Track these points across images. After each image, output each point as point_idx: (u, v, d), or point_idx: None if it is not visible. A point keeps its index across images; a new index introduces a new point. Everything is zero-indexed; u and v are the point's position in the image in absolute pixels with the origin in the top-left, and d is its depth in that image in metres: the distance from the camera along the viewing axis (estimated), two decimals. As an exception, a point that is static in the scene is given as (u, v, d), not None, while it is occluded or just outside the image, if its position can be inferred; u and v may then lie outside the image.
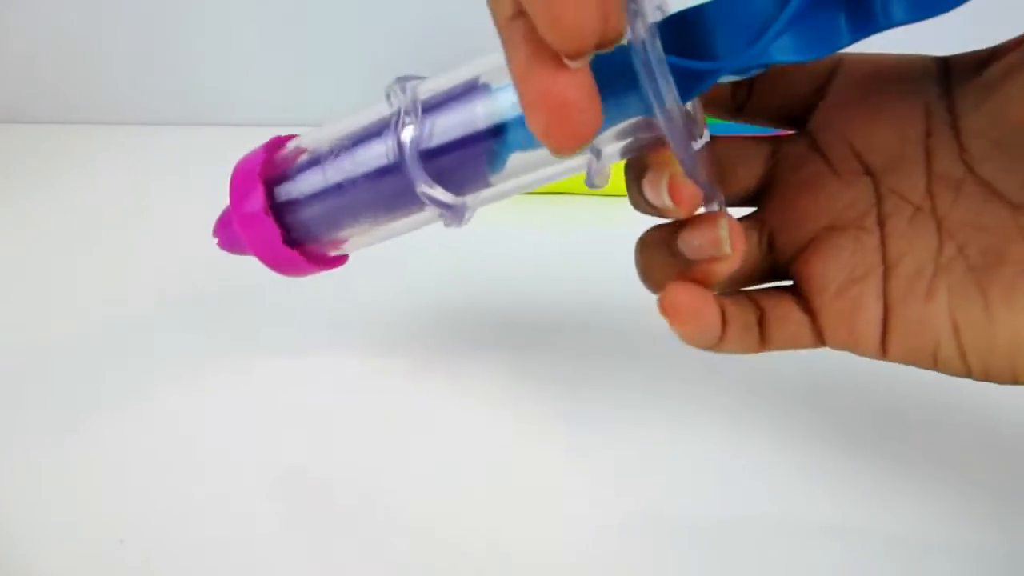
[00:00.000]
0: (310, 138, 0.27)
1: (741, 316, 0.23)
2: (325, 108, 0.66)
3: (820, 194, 0.24)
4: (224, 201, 0.27)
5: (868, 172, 0.23)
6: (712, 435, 0.29)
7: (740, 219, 0.24)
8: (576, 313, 0.36)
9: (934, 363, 0.22)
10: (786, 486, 0.27)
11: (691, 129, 0.20)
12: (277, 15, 0.63)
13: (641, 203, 0.23)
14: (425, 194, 0.24)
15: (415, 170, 0.24)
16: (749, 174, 0.25)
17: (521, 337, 0.34)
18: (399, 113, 0.24)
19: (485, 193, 0.25)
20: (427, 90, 0.25)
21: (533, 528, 0.25)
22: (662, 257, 0.24)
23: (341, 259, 0.29)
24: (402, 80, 0.25)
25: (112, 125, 0.64)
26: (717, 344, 0.23)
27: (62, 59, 0.63)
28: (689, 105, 0.22)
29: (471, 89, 0.23)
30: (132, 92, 0.64)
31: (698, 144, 0.21)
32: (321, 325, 0.35)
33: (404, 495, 0.26)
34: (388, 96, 0.25)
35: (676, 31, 0.20)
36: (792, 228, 0.24)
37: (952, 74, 0.22)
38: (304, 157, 0.27)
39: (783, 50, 0.19)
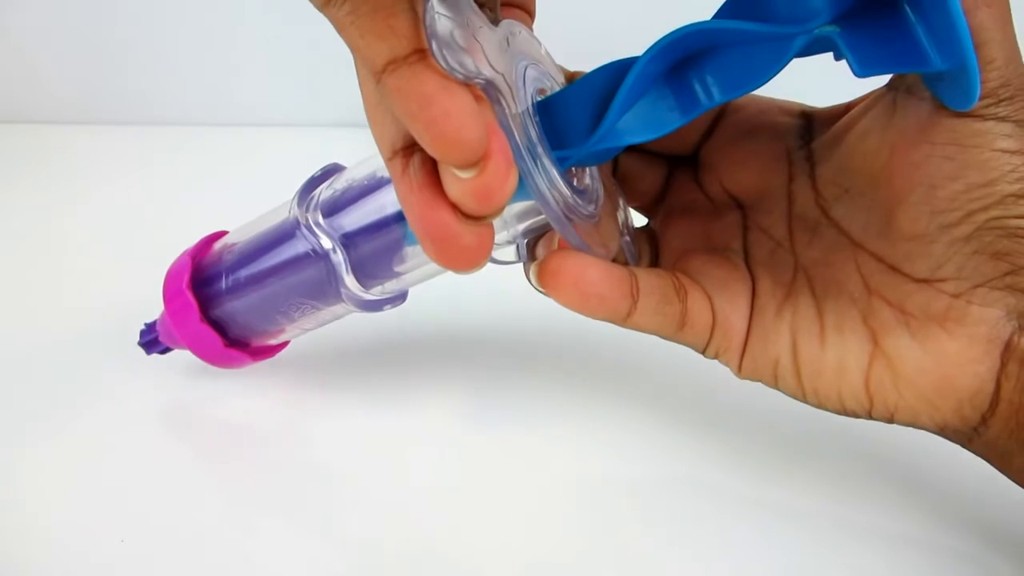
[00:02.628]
0: (234, 238, 0.29)
1: (659, 288, 0.23)
2: (325, 108, 0.66)
3: (697, 217, 0.26)
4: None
5: (738, 206, 0.26)
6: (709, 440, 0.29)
7: (637, 229, 0.27)
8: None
9: (774, 380, 0.24)
10: (786, 485, 0.27)
11: (574, 205, 0.21)
12: (277, 16, 0.63)
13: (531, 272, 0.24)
14: (345, 288, 0.25)
15: (338, 263, 0.25)
16: (647, 189, 0.27)
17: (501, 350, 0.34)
18: (308, 212, 0.26)
19: (394, 282, 0.26)
20: (332, 189, 0.26)
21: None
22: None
23: (282, 345, 0.31)
24: (307, 187, 0.27)
25: (112, 125, 0.64)
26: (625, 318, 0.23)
27: (62, 59, 0.63)
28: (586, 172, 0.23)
29: (373, 184, 0.25)
30: (132, 92, 0.64)
31: (589, 210, 0.22)
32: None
33: (401, 500, 0.26)
34: (293, 202, 0.27)
35: (544, 116, 0.21)
36: (674, 242, 0.26)
37: (813, 125, 0.24)
38: (226, 258, 0.28)
39: (631, 132, 0.21)
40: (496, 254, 0.24)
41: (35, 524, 0.24)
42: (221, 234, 0.30)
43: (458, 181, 0.17)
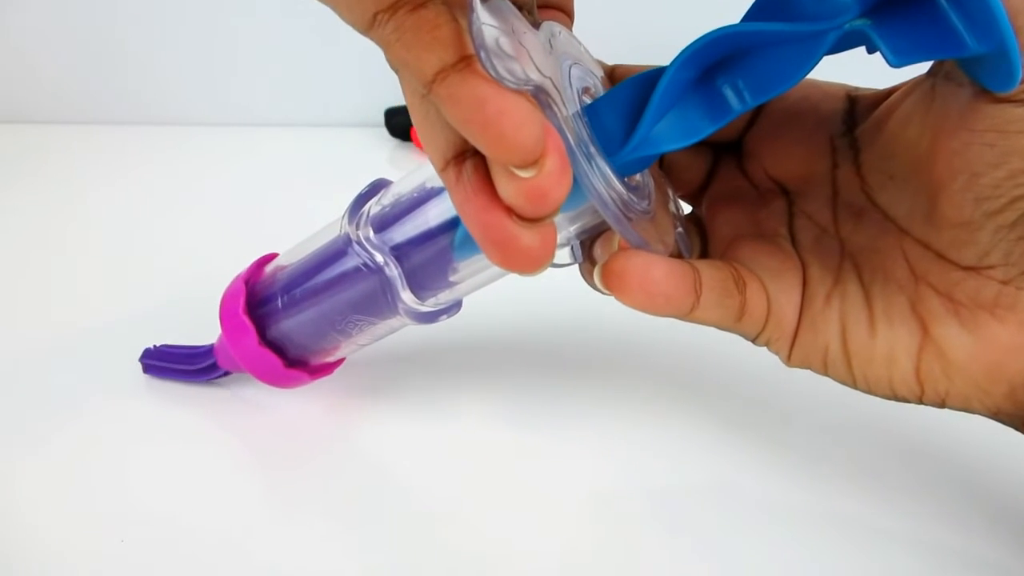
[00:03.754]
0: (285, 260, 0.29)
1: (720, 282, 0.23)
2: (325, 108, 0.67)
3: (742, 204, 0.26)
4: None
5: (783, 192, 0.25)
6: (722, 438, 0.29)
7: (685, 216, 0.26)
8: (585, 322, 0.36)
9: (824, 367, 0.24)
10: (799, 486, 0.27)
11: (630, 202, 0.21)
12: (277, 16, 0.63)
13: (588, 272, 0.24)
14: (401, 301, 0.26)
15: (395, 279, 0.25)
16: (691, 178, 0.27)
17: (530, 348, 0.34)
18: (359, 229, 0.26)
19: (448, 292, 0.26)
20: (381, 204, 0.26)
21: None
22: None
23: (339, 362, 0.31)
24: (356, 204, 0.27)
25: (112, 125, 0.64)
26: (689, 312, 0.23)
27: (62, 59, 0.63)
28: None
29: (422, 196, 0.25)
30: (132, 92, 0.64)
31: (643, 206, 0.22)
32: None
33: (436, 505, 0.26)
34: (344, 219, 0.27)
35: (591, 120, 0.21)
36: (722, 230, 0.26)
37: (857, 110, 0.24)
38: (280, 279, 0.28)
39: (664, 140, 0.21)
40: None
41: (35, 524, 0.24)
42: (271, 256, 0.30)
43: (512, 183, 0.17)
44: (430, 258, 0.25)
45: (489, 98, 0.16)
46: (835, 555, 0.24)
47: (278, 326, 0.28)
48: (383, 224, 0.25)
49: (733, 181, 0.26)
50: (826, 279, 0.24)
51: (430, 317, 0.27)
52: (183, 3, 0.62)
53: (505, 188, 0.17)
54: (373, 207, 0.26)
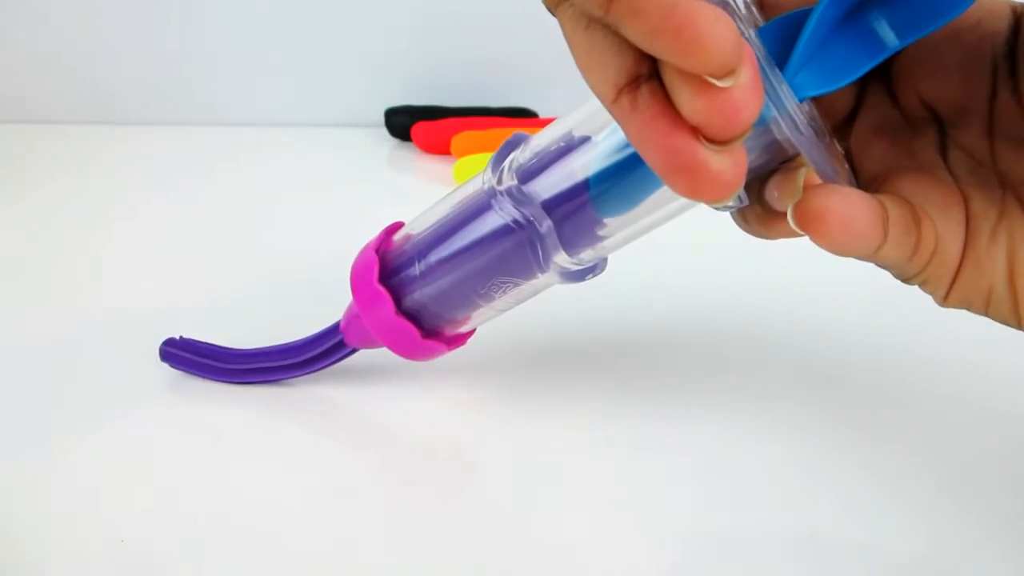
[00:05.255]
0: (417, 225, 0.28)
1: (902, 218, 0.22)
2: (325, 108, 0.67)
3: (894, 135, 0.24)
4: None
5: (935, 120, 0.23)
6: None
7: None
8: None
9: (985, 307, 0.22)
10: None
11: (815, 131, 0.20)
12: (277, 16, 0.63)
13: (755, 215, 0.23)
14: (553, 260, 0.24)
15: (546, 236, 0.24)
16: (840, 108, 0.25)
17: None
18: (500, 182, 0.24)
19: (591, 251, 0.24)
20: (526, 157, 0.24)
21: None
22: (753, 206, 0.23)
23: (471, 332, 0.29)
24: (497, 157, 0.25)
25: (112, 125, 0.64)
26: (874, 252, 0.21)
27: (62, 59, 0.63)
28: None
29: (569, 145, 0.23)
30: (132, 92, 0.65)
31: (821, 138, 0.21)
32: (323, 323, 0.35)
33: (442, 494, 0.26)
34: (488, 170, 0.25)
35: None
36: (873, 163, 0.24)
37: (1020, 31, 0.22)
38: (414, 245, 0.27)
39: (812, 84, 0.20)
40: None
41: (35, 524, 0.24)
42: (398, 225, 0.29)
43: (701, 99, 0.16)
44: (579, 212, 0.23)
45: (678, 3, 0.15)
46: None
47: (414, 295, 0.27)
48: (528, 176, 0.24)
49: (883, 110, 0.24)
50: (990, 214, 0.22)
51: (578, 276, 0.25)
52: (183, 3, 0.62)
53: (692, 106, 0.16)
54: (515, 159, 0.24)
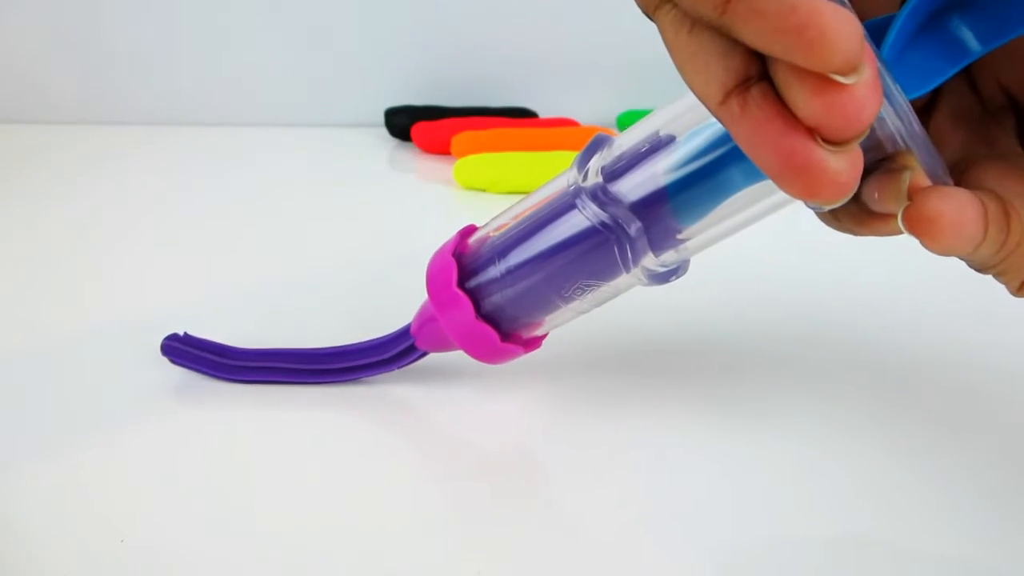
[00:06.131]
0: (494, 226, 0.27)
1: (996, 215, 0.21)
2: (325, 108, 0.67)
3: (973, 123, 0.24)
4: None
5: (1015, 109, 0.23)
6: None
7: None
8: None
9: None
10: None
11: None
12: (278, 16, 0.63)
13: (848, 214, 0.22)
14: (640, 264, 0.24)
15: (635, 237, 0.24)
16: (917, 97, 0.25)
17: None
18: (585, 182, 0.24)
19: (674, 252, 0.24)
20: (612, 155, 0.24)
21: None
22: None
23: (545, 336, 0.29)
24: (582, 159, 0.25)
25: (112, 125, 0.64)
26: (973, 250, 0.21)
27: (62, 59, 0.63)
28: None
29: (656, 144, 0.23)
30: (132, 93, 0.65)
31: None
32: (323, 324, 0.35)
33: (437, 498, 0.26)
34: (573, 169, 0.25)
35: None
36: (953, 152, 0.24)
37: None
38: (494, 247, 0.27)
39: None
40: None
41: (35, 524, 0.24)
42: (471, 228, 0.29)
43: (820, 99, 0.16)
44: (663, 215, 0.23)
45: (799, 1, 0.15)
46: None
47: (493, 298, 0.26)
48: (613, 177, 0.24)
49: (962, 98, 0.24)
50: None
51: (663, 277, 0.25)
52: (183, 4, 0.62)
53: (810, 106, 0.16)
54: (600, 160, 0.24)
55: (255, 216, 0.48)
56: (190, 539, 0.23)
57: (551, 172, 0.58)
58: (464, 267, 0.27)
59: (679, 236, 0.24)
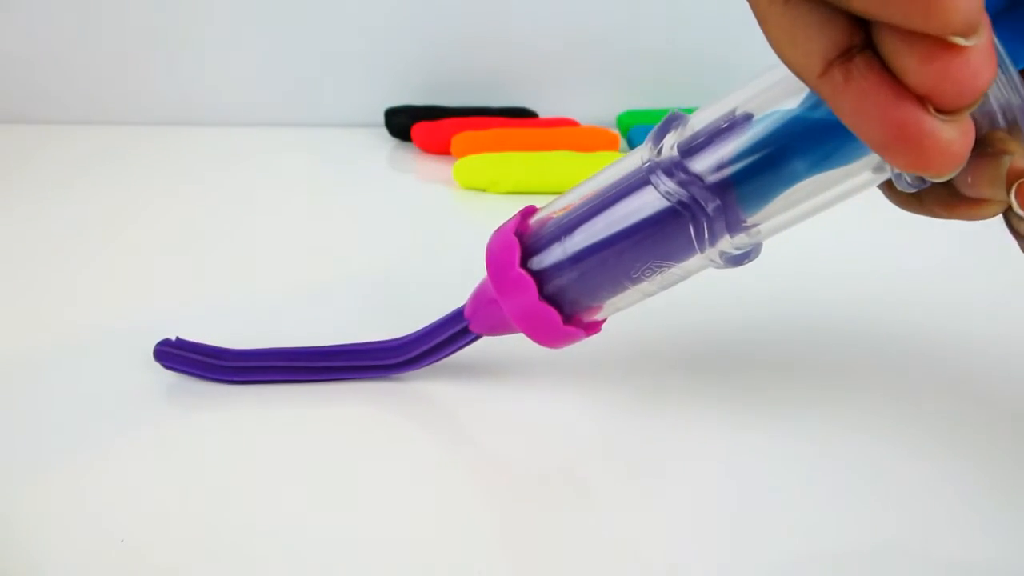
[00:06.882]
0: (558, 206, 0.27)
1: None
2: (325, 108, 0.67)
3: None
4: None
5: None
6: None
7: None
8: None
9: None
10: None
11: None
12: (277, 16, 0.63)
13: (935, 197, 0.22)
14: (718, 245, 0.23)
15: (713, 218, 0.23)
16: None
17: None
18: (660, 159, 0.23)
19: (745, 235, 0.24)
20: (688, 133, 0.24)
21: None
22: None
23: (602, 322, 0.28)
24: (657, 135, 0.24)
25: (112, 125, 0.64)
26: None
27: (62, 59, 0.63)
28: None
29: (732, 123, 0.23)
30: (132, 92, 0.64)
31: None
32: (323, 324, 0.35)
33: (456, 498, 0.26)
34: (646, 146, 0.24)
35: None
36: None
37: None
38: (559, 227, 0.26)
39: None
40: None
41: (35, 524, 0.24)
42: (532, 209, 0.28)
43: (933, 65, 0.15)
44: (733, 199, 0.23)
45: None
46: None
47: (557, 279, 0.26)
48: (689, 154, 0.23)
49: None
50: None
51: (738, 260, 0.24)
52: (183, 3, 0.62)
53: (922, 73, 0.15)
54: (675, 137, 0.24)
55: (254, 216, 0.48)
56: (190, 539, 0.23)
57: (551, 172, 0.57)
58: (526, 247, 0.27)
59: (743, 224, 0.23)
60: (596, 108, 0.66)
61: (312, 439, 0.28)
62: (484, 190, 0.52)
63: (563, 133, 0.59)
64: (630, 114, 0.64)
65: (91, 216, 0.47)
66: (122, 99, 0.65)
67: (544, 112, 0.65)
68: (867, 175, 0.22)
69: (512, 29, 0.65)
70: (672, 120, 0.24)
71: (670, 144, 0.23)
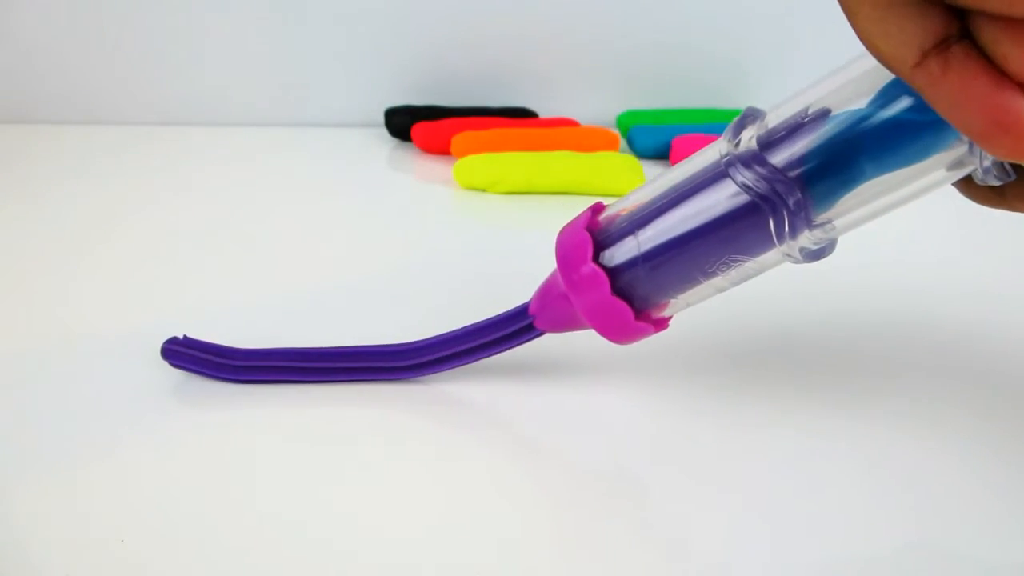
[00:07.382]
0: (629, 202, 0.27)
1: None
2: (325, 108, 0.67)
3: None
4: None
5: None
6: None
7: None
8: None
9: None
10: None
11: None
12: (277, 16, 0.63)
13: (1017, 192, 0.21)
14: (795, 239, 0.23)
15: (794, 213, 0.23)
16: None
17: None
18: (739, 150, 0.23)
19: (822, 231, 0.23)
20: (766, 127, 0.24)
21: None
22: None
23: (670, 318, 0.28)
24: (735, 128, 0.24)
25: (112, 125, 0.64)
26: None
27: (62, 59, 0.63)
28: None
29: (813, 119, 0.22)
30: (131, 92, 0.64)
31: None
32: (322, 324, 0.35)
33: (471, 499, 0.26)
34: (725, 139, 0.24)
35: None
36: None
37: None
38: (632, 222, 0.26)
39: None
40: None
41: (35, 523, 0.24)
42: (601, 205, 0.28)
43: None
44: (830, 187, 0.22)
45: None
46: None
47: (628, 274, 0.26)
48: (768, 147, 0.23)
49: None
50: None
51: (816, 255, 0.24)
52: (183, 3, 0.62)
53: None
54: (754, 130, 0.23)
55: (254, 216, 0.48)
56: (190, 539, 0.23)
57: (551, 172, 0.57)
58: (597, 242, 0.26)
59: (815, 220, 0.23)
60: (596, 108, 0.66)
61: (320, 441, 0.28)
62: (484, 190, 0.52)
63: (563, 133, 0.59)
64: (630, 114, 0.64)
65: (96, 215, 0.47)
66: (122, 99, 0.65)
67: (544, 112, 0.65)
68: (941, 173, 0.22)
69: (512, 29, 0.65)
70: (749, 114, 0.24)
71: (748, 137, 0.23)
